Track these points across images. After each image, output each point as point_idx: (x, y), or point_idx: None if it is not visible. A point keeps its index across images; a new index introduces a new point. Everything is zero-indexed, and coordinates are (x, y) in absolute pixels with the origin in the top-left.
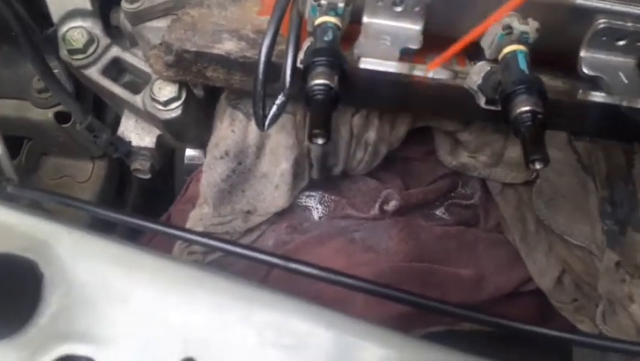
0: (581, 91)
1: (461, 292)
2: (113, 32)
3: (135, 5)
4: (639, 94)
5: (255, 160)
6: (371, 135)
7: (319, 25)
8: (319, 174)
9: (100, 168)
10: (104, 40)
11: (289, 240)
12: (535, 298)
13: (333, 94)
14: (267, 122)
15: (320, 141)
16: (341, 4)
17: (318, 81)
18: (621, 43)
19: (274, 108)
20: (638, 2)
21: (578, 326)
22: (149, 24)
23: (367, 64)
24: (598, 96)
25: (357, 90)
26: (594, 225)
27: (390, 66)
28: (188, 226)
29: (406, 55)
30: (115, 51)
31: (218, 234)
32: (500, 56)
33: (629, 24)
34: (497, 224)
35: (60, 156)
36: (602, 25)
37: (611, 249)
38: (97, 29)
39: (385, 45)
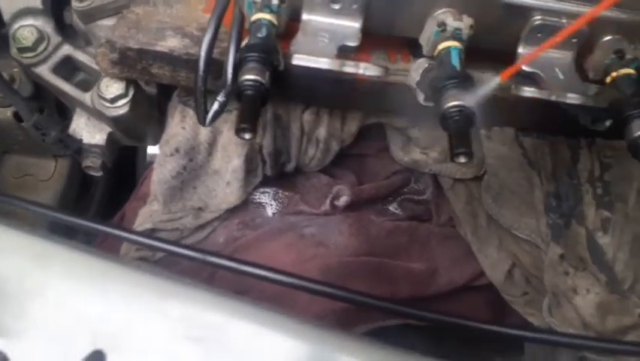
0: (513, 86)
1: (412, 285)
2: (68, 31)
3: (85, 4)
4: (573, 89)
5: (206, 157)
6: (322, 132)
7: (254, 21)
8: (272, 170)
9: (62, 166)
10: (55, 39)
11: (240, 236)
12: (489, 292)
13: (263, 90)
14: (208, 119)
15: (247, 136)
16: (275, 2)
17: (249, 77)
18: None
19: (215, 105)
20: None
21: (528, 319)
22: (99, 22)
23: (300, 60)
24: (528, 91)
25: (298, 87)
26: (539, 219)
27: (322, 62)
28: (137, 222)
29: (344, 52)
30: (66, 49)
31: (167, 230)
32: (435, 53)
33: (564, 20)
34: (450, 219)
35: (22, 154)
36: (537, 22)
37: (555, 242)
38: (48, 28)
39: (323, 42)
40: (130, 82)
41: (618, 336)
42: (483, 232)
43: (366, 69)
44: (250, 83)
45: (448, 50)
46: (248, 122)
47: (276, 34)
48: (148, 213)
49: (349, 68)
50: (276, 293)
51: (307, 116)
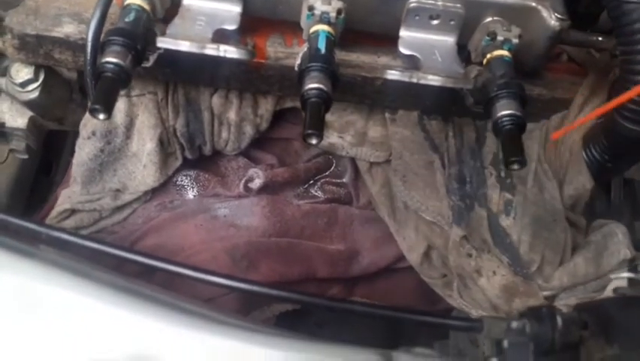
0: (379, 68)
1: (330, 267)
2: None
3: None
4: (453, 72)
5: (124, 140)
6: (232, 115)
7: (125, 6)
8: (191, 153)
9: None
10: None
11: (156, 216)
12: (414, 273)
13: (123, 73)
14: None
15: (101, 117)
16: None
17: (109, 59)
18: (435, 22)
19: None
20: None
21: (447, 301)
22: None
23: (162, 43)
24: (391, 74)
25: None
26: (442, 201)
27: (182, 45)
28: (58, 203)
29: (223, 36)
30: None
31: (86, 211)
32: (307, 36)
33: (439, 3)
34: (369, 202)
35: None
36: (413, 4)
37: (457, 225)
38: None
39: (200, 26)
40: (40, 67)
41: None
42: (401, 214)
43: (226, 52)
44: (110, 65)
45: (316, 33)
46: (101, 103)
47: (148, 19)
48: (68, 195)
49: (210, 50)
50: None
51: (216, 100)
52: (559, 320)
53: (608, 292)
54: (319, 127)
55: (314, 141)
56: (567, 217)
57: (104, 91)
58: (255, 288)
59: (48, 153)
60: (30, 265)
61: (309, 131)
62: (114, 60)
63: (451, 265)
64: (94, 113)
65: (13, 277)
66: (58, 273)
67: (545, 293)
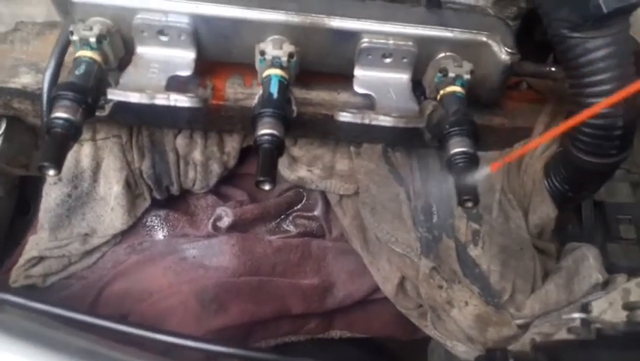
0: (336, 110)
1: (305, 302)
2: None
3: None
4: (408, 110)
5: (92, 183)
6: (197, 155)
7: (75, 58)
8: (160, 194)
9: None
10: None
11: (125, 260)
12: (390, 304)
13: (72, 128)
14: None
15: (51, 173)
16: (92, 39)
17: (59, 115)
18: (388, 60)
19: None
20: (395, 21)
21: (424, 331)
22: None
23: (112, 95)
24: (343, 116)
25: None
26: (410, 233)
27: (132, 97)
28: (25, 250)
29: (178, 81)
30: None
31: (54, 257)
32: (261, 80)
33: (391, 41)
34: (342, 234)
35: None
36: (364, 45)
37: (426, 256)
38: None
39: (154, 74)
40: (1, 117)
41: (502, 345)
42: (374, 246)
43: (177, 101)
44: (59, 121)
45: (269, 77)
46: (51, 160)
47: (100, 70)
48: (35, 241)
49: (160, 100)
50: (156, 314)
51: (180, 140)
52: None
53: (563, 333)
54: (272, 173)
55: (266, 187)
56: (535, 245)
57: (54, 147)
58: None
59: (25, 192)
60: None
61: (261, 178)
62: (64, 115)
63: (423, 297)
64: (43, 170)
65: None
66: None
67: (518, 322)
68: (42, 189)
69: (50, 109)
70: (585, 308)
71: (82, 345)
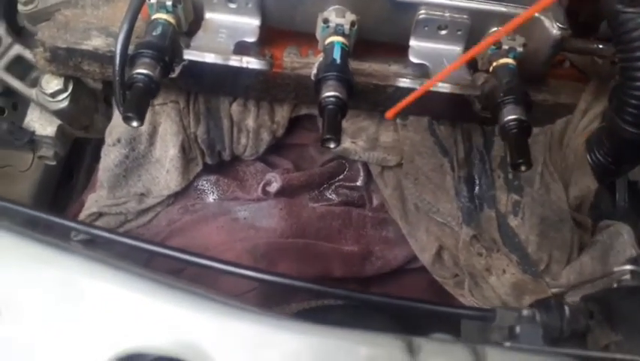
0: (392, 76)
1: (345, 267)
2: (24, 32)
3: (29, 7)
4: (461, 79)
5: (148, 147)
6: (250, 122)
7: (152, 20)
8: (212, 159)
9: None
10: (7, 40)
11: (179, 219)
12: (425, 274)
13: (152, 83)
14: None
15: (134, 124)
16: (169, 2)
17: (140, 70)
18: (443, 32)
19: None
20: None
21: (459, 299)
22: (44, 24)
23: (189, 55)
24: (403, 82)
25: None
26: (452, 203)
27: (208, 57)
28: (85, 207)
29: (243, 47)
30: (16, 49)
31: (112, 214)
32: (323, 47)
33: (447, 14)
34: (382, 204)
35: (2, 147)
36: (422, 16)
37: (467, 225)
38: (0, 29)
39: (222, 39)
40: (69, 78)
41: None
42: (412, 216)
43: (248, 63)
44: (141, 76)
45: (332, 44)
46: (135, 111)
47: (174, 32)
48: (95, 199)
49: (234, 62)
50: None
51: (235, 108)
52: (566, 309)
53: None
54: (336, 132)
55: (332, 145)
56: (573, 218)
57: (136, 100)
58: (280, 279)
59: (69, 160)
60: (71, 259)
61: (327, 136)
62: (144, 71)
63: (461, 264)
64: (127, 120)
65: (57, 272)
66: (98, 267)
67: (553, 291)
68: (86, 155)
69: (123, 68)
70: (636, 261)
71: (157, 278)
